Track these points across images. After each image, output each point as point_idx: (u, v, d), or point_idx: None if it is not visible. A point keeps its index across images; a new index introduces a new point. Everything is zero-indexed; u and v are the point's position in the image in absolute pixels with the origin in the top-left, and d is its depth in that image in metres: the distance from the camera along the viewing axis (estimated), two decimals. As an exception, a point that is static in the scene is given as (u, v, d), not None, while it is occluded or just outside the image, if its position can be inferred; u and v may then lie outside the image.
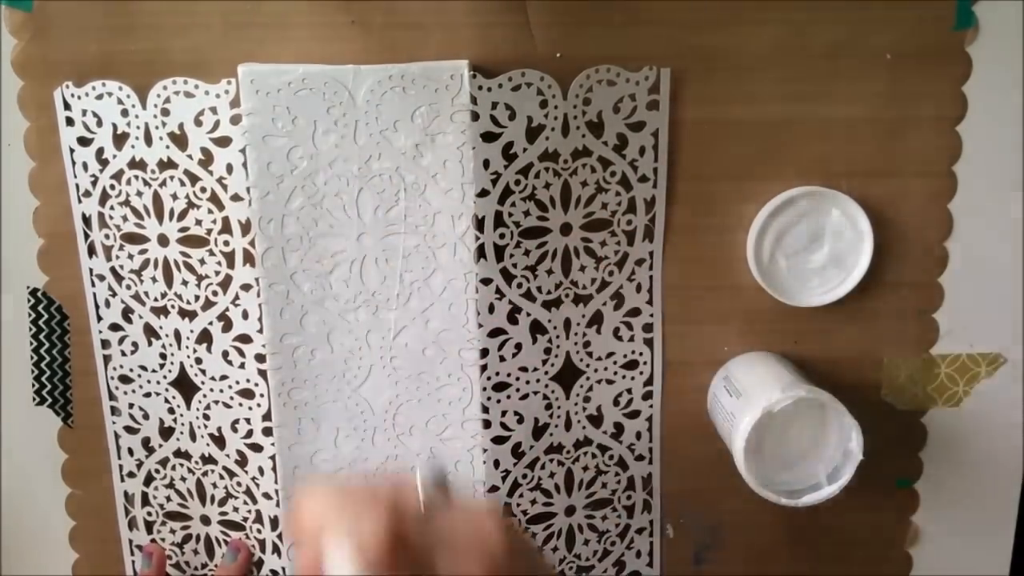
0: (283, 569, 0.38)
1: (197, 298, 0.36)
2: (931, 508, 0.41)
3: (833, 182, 0.37)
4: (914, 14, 0.35)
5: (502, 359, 0.36)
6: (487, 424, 0.37)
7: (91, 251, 0.37)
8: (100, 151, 0.36)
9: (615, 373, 0.39)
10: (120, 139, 0.35)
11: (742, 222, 0.37)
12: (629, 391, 0.39)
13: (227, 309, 0.36)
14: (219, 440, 0.38)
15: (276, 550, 0.38)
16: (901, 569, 0.42)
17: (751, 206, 0.37)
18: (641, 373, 0.39)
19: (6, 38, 0.35)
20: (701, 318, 0.38)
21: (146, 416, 0.39)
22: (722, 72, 0.36)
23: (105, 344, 0.38)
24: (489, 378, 0.36)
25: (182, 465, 0.39)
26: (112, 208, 0.36)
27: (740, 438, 0.33)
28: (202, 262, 0.36)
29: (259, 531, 0.39)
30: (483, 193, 0.35)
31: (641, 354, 0.39)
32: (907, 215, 0.38)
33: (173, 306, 0.37)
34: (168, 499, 0.40)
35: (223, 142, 0.34)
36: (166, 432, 0.39)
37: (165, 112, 0.34)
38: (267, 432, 0.37)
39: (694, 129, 0.36)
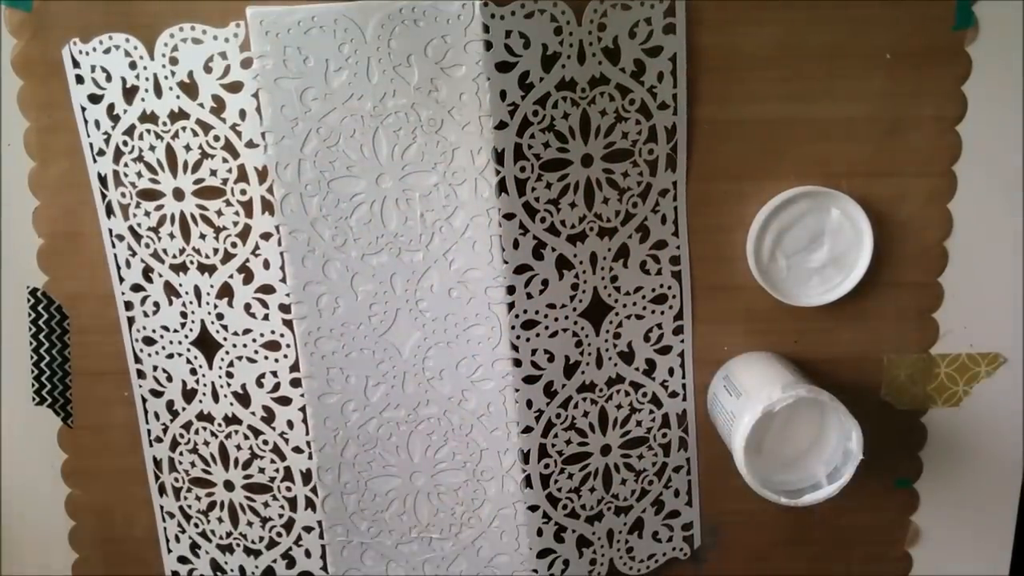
0: (319, 523, 0.40)
1: (216, 251, 0.38)
2: (931, 508, 0.44)
3: (833, 182, 0.39)
4: (914, 14, 0.38)
5: (529, 296, 0.38)
6: (517, 363, 0.38)
7: (109, 211, 0.39)
8: (111, 107, 0.37)
9: (644, 308, 0.40)
10: (130, 93, 0.37)
11: (742, 222, 0.40)
12: (659, 326, 0.41)
13: (247, 260, 0.38)
14: (243, 398, 0.40)
15: (310, 504, 0.40)
16: (901, 569, 0.45)
17: (751, 206, 0.39)
18: (671, 307, 0.41)
19: (6, 38, 0.37)
20: (701, 317, 0.41)
21: (169, 378, 0.40)
22: (721, 72, 0.38)
23: (128, 306, 0.40)
24: (517, 316, 0.38)
25: (205, 428, 0.41)
26: (126, 165, 0.38)
27: (740, 437, 0.36)
28: (219, 213, 0.37)
29: (288, 489, 0.40)
30: (501, 125, 0.36)
31: (670, 287, 0.40)
32: (907, 215, 0.40)
33: (192, 262, 0.38)
34: (193, 464, 0.41)
35: (234, 88, 0.36)
36: (189, 395, 0.41)
37: (174, 61, 0.36)
38: (295, 383, 0.39)
39: (694, 129, 0.38)
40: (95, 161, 0.38)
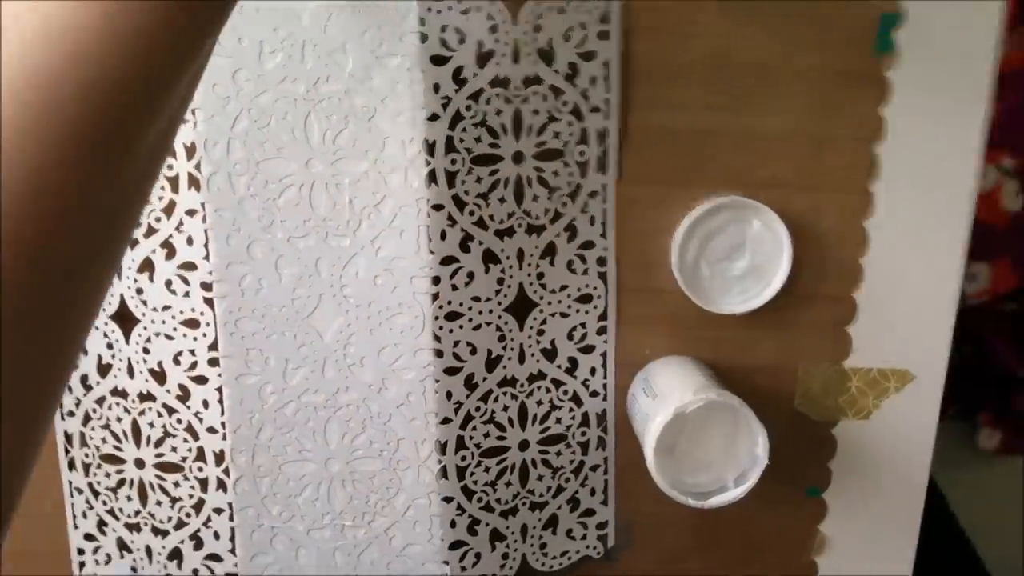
0: (229, 505, 0.40)
1: (139, 225, 0.38)
2: (838, 517, 0.45)
3: (755, 193, 0.41)
4: (838, 37, 0.39)
5: (454, 288, 0.39)
6: (439, 354, 0.39)
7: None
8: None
9: (569, 307, 0.41)
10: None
11: (668, 227, 0.41)
12: (583, 325, 0.42)
13: (171, 236, 0.38)
14: (159, 375, 0.39)
15: (221, 486, 0.40)
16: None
17: (677, 212, 0.41)
18: (595, 307, 0.41)
19: None
20: (624, 320, 0.42)
21: (84, 352, 0.40)
22: (653, 80, 0.39)
23: (42, 274, 0.39)
24: (441, 307, 0.39)
25: (118, 404, 0.40)
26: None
27: (651, 438, 0.37)
28: (145, 187, 0.37)
29: (200, 469, 0.40)
30: (433, 117, 0.37)
31: (595, 288, 0.41)
32: (825, 229, 0.42)
33: (114, 234, 0.38)
34: (104, 440, 0.41)
35: (167, 62, 0.36)
36: (104, 369, 0.40)
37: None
38: (213, 363, 0.38)
39: (625, 134, 0.40)
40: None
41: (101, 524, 0.42)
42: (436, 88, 0.37)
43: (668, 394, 0.38)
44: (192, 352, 0.39)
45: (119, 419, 0.40)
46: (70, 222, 0.19)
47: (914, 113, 0.41)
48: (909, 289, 0.43)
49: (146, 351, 0.39)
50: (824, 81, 0.40)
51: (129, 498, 0.41)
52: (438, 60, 0.37)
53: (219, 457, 0.40)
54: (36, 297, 0.19)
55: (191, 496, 0.40)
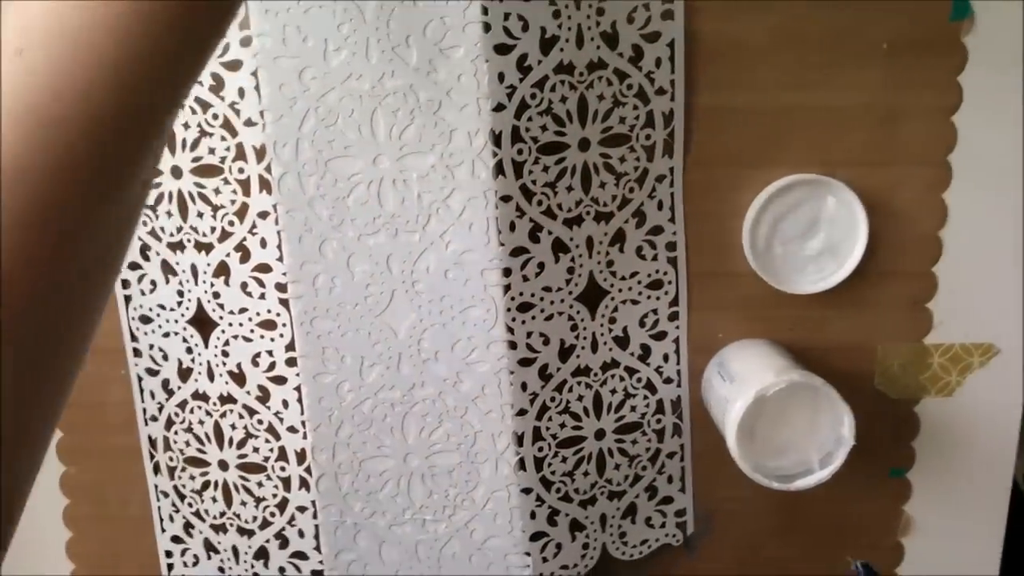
0: (312, 503, 0.40)
1: (213, 230, 0.38)
2: (923, 497, 0.44)
3: (829, 170, 0.39)
4: (911, 5, 0.38)
5: (525, 279, 0.38)
6: (513, 346, 0.39)
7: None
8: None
9: (640, 293, 0.40)
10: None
11: (738, 209, 0.40)
12: (655, 312, 0.41)
13: (244, 239, 0.38)
14: (239, 377, 0.40)
15: (304, 484, 0.40)
16: (893, 558, 0.45)
17: (747, 193, 0.40)
18: (666, 293, 0.41)
19: None
20: (695, 305, 0.41)
21: (165, 357, 0.40)
22: (720, 59, 0.38)
23: (125, 284, 0.40)
24: (513, 299, 0.38)
25: (200, 408, 0.41)
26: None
27: (733, 422, 0.36)
28: (217, 191, 0.38)
29: (283, 468, 0.41)
30: (499, 108, 0.36)
31: (665, 273, 0.41)
32: (902, 204, 0.40)
33: (189, 240, 0.39)
34: (187, 444, 0.41)
35: (233, 66, 0.36)
36: (184, 373, 0.41)
37: (174, 39, 0.36)
38: (291, 363, 0.39)
39: (691, 116, 0.39)
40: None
41: (188, 526, 0.42)
42: (501, 77, 0.36)
43: (747, 377, 0.37)
44: (270, 353, 0.39)
45: (201, 422, 0.41)
46: (82, 227, 0.19)
47: (993, 80, 0.39)
48: (992, 261, 0.41)
49: (225, 354, 0.40)
50: (898, 51, 0.38)
51: (214, 499, 0.42)
52: (502, 49, 0.36)
53: (300, 456, 0.40)
54: (41, 304, 0.19)
55: (275, 495, 0.41)
